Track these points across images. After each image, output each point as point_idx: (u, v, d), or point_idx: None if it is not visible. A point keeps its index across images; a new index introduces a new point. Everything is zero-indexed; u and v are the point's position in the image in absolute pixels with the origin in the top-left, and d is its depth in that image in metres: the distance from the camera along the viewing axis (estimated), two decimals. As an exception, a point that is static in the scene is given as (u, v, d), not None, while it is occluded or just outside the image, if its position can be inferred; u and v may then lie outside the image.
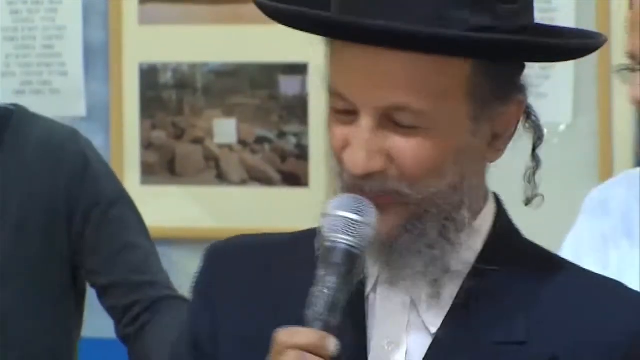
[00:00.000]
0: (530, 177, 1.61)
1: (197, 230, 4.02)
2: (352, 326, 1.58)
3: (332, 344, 1.43)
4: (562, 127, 3.67)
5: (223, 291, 1.70)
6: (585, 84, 3.66)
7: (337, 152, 1.52)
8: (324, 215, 1.48)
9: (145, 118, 3.99)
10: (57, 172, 2.98)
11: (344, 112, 1.52)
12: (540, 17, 3.38)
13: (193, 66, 4.11)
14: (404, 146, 1.48)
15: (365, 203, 1.47)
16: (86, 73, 3.95)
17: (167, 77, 4.12)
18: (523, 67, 1.59)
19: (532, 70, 3.36)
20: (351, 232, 1.47)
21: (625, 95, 2.64)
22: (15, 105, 3.09)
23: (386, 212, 1.48)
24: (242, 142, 4.08)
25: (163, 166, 3.98)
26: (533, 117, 1.58)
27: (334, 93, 1.54)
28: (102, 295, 2.98)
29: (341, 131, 1.51)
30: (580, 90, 3.69)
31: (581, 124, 3.70)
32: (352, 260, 1.48)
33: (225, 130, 4.09)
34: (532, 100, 3.40)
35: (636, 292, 1.65)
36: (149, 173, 4.00)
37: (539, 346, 1.54)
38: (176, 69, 4.17)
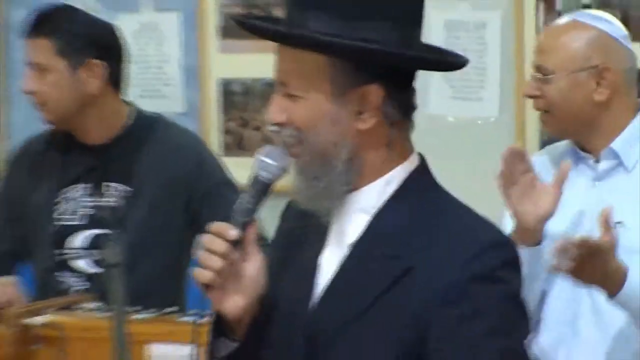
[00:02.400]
0: None
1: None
2: (317, 237, 2.12)
3: (232, 233, 1.96)
4: (492, 120, 4.10)
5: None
6: (507, 91, 4.05)
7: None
8: (256, 158, 2.03)
9: (222, 113, 4.54)
10: (180, 166, 3.54)
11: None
12: (476, 48, 3.77)
13: (254, 80, 4.62)
14: (292, 107, 2.02)
15: (279, 152, 2.04)
16: (184, 85, 4.46)
17: (237, 87, 4.69)
18: (378, 66, 2.04)
19: (472, 80, 3.81)
20: (262, 167, 2.03)
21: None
22: (157, 114, 3.77)
23: (291, 149, 2.06)
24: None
25: (235, 145, 4.54)
26: (392, 100, 2.02)
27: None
28: None
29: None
30: (504, 93, 4.06)
31: (504, 117, 4.06)
32: (263, 185, 2.04)
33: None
34: (474, 102, 3.70)
35: (490, 234, 2.05)
36: (226, 149, 4.56)
37: (407, 260, 1.99)
38: (243, 82, 4.71)
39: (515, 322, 2.02)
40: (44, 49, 3.48)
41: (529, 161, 2.87)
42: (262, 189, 2.05)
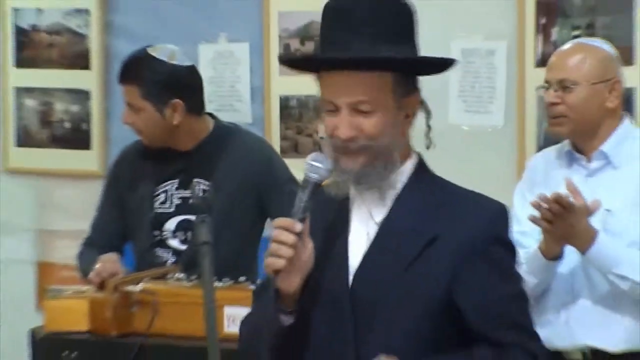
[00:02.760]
0: (427, 133, 2.07)
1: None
2: (340, 223, 2.05)
3: (298, 226, 1.91)
4: (498, 128, 4.00)
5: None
6: (510, 105, 3.95)
7: (328, 134, 1.98)
8: (305, 163, 1.98)
9: (282, 124, 4.43)
10: (252, 166, 3.50)
11: (330, 111, 1.95)
12: (486, 70, 3.74)
13: (307, 96, 4.46)
14: (367, 122, 1.94)
15: (323, 156, 1.98)
16: (251, 101, 4.37)
17: (293, 102, 4.58)
18: (416, 77, 2.03)
19: (483, 96, 3.71)
20: (312, 171, 1.96)
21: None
22: (233, 124, 3.73)
23: (356, 156, 1.95)
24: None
25: (291, 149, 4.45)
26: (425, 104, 2.04)
27: (325, 100, 1.96)
28: None
29: (328, 122, 1.96)
30: (508, 107, 3.96)
31: (508, 126, 3.95)
32: (314, 185, 1.97)
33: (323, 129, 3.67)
34: (483, 114, 3.81)
35: (495, 204, 2.07)
36: (283, 153, 4.27)
37: (430, 232, 1.98)
38: (298, 98, 4.60)
39: (516, 271, 2.08)
40: (132, 93, 3.44)
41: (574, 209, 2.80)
42: (313, 188, 2.00)
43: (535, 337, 2.11)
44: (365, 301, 2.02)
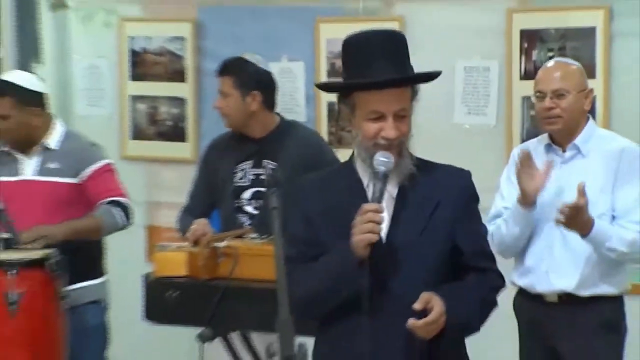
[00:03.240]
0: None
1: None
2: (360, 199, 1.95)
3: (383, 208, 1.87)
4: (492, 127, 3.89)
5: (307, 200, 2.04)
6: (501, 109, 3.84)
7: (372, 136, 1.90)
8: (374, 159, 1.89)
9: (328, 122, 4.24)
10: (307, 150, 3.39)
11: (374, 118, 1.90)
12: (483, 83, 3.74)
13: None
14: (403, 124, 1.93)
15: (388, 154, 1.91)
16: (306, 106, 4.23)
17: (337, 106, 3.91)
18: (418, 87, 1.98)
19: (480, 102, 3.70)
20: (384, 165, 1.89)
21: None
22: (294, 120, 3.66)
23: (394, 150, 1.93)
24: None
25: (336, 141, 4.27)
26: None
27: (370, 110, 1.89)
28: None
29: (373, 127, 1.90)
30: (499, 111, 3.84)
31: (499, 125, 3.84)
32: (384, 176, 1.90)
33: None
34: (481, 115, 3.71)
35: (465, 171, 2.07)
36: (330, 144, 4.06)
37: (434, 199, 1.98)
38: None
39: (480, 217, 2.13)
40: (226, 82, 3.37)
41: (532, 159, 2.79)
42: (384, 178, 1.93)
43: (495, 261, 2.14)
44: (396, 252, 1.98)
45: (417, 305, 1.86)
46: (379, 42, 1.97)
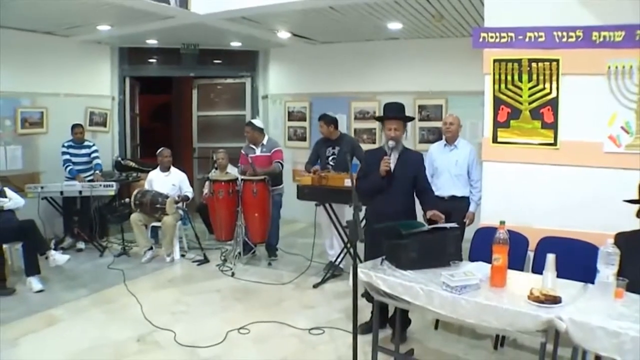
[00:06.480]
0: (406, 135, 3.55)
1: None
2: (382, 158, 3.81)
3: (390, 160, 3.84)
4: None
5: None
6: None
7: (388, 135, 3.76)
8: (388, 142, 3.74)
9: (354, 134, 5.49)
10: (352, 142, 5.37)
11: (388, 129, 3.87)
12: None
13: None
14: (399, 132, 3.78)
15: (393, 142, 3.79)
16: (347, 129, 5.62)
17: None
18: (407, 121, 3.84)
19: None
20: (391, 145, 3.82)
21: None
22: (345, 132, 5.77)
23: (395, 141, 3.84)
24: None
25: (361, 140, 5.69)
26: (406, 128, 3.76)
27: (386, 127, 3.84)
28: None
29: (390, 131, 3.79)
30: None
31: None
32: (391, 149, 3.83)
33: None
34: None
35: (418, 153, 3.86)
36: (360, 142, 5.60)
37: (416, 166, 3.95)
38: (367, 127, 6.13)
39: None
40: (322, 124, 5.78)
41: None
42: (391, 150, 3.38)
43: (431, 187, 3.76)
44: (395, 177, 3.44)
45: (429, 215, 3.36)
46: (394, 106, 3.67)
